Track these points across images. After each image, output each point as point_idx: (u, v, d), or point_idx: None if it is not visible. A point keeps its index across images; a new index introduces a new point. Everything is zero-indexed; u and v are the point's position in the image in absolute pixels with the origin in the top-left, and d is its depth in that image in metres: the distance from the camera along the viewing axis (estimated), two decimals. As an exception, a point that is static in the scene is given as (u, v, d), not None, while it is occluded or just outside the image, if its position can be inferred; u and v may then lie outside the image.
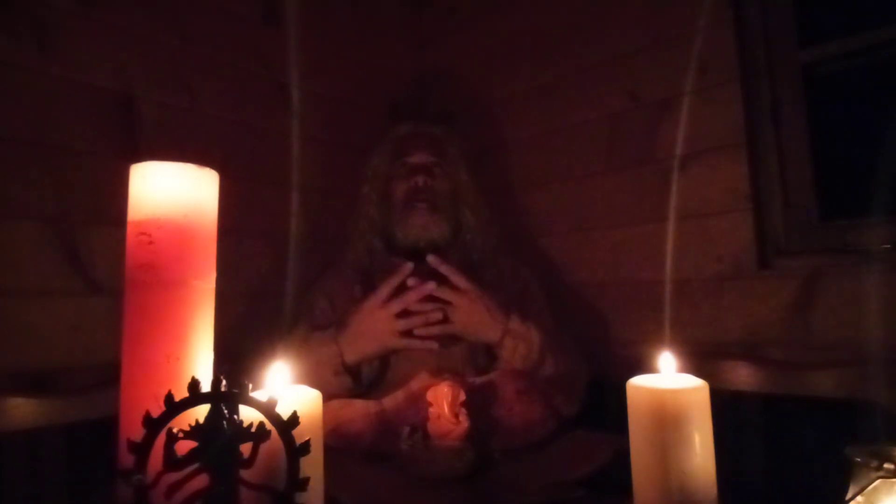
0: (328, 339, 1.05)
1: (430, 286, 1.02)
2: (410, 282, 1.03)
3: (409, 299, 1.02)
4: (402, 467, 0.85)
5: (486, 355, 1.09)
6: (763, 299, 1.10)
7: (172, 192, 0.58)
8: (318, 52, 1.46)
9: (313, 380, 1.03)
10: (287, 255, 1.29)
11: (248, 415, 0.49)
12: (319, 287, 1.21)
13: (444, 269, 1.03)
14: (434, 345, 1.04)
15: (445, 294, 1.03)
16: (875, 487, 0.55)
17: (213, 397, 0.49)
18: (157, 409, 0.48)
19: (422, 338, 1.03)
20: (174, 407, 0.48)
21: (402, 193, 1.20)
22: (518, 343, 1.03)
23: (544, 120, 1.47)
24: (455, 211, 1.23)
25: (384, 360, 1.08)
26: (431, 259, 1.03)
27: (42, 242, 0.98)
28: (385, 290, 1.02)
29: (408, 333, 1.03)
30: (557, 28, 1.45)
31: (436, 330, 1.03)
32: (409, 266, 1.03)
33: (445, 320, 1.04)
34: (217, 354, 0.60)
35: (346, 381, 1.04)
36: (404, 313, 1.02)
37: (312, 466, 0.54)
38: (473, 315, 1.03)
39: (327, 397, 1.00)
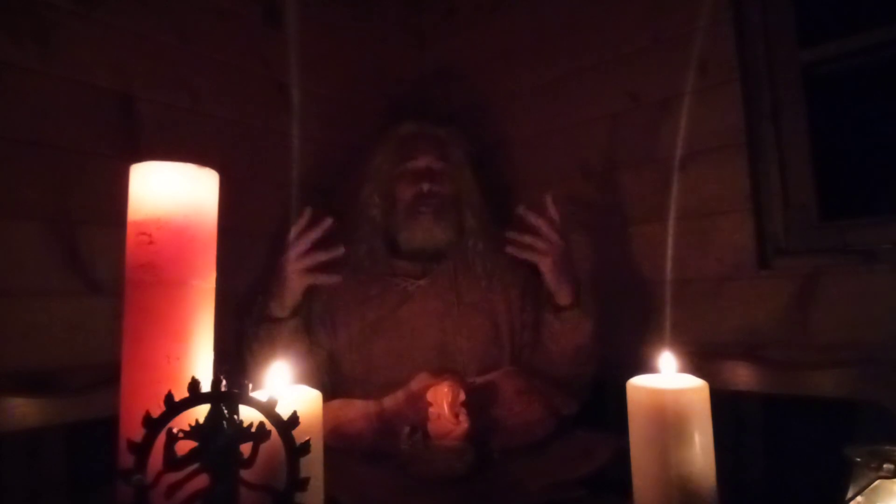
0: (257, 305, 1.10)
1: (328, 222, 1.00)
2: (511, 234, 1.03)
3: (311, 237, 1.01)
4: (402, 467, 0.85)
5: (550, 303, 1.09)
6: (763, 299, 1.10)
7: (172, 192, 0.58)
8: (318, 52, 1.46)
9: (251, 346, 1.09)
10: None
11: (248, 415, 0.49)
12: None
13: (533, 219, 1.02)
14: (338, 278, 1.04)
15: (535, 242, 1.02)
16: (875, 487, 0.55)
17: (213, 397, 0.49)
18: (157, 409, 0.48)
19: (322, 263, 1.03)
20: (174, 407, 0.48)
21: (407, 198, 1.19)
22: (589, 298, 1.09)
23: (544, 120, 1.47)
24: (458, 214, 1.23)
25: (308, 298, 1.10)
26: (523, 211, 1.03)
27: (42, 242, 0.98)
28: (289, 236, 1.03)
29: (312, 270, 1.02)
30: (557, 28, 1.44)
31: (526, 254, 1.03)
32: (308, 210, 1.03)
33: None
34: (217, 354, 0.60)
35: (267, 327, 1.06)
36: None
37: (312, 466, 0.54)
38: (559, 261, 1.03)
39: (264, 352, 1.04)
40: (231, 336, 1.16)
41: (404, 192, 1.20)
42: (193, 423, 0.48)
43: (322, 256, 1.02)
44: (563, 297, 1.06)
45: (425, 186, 1.18)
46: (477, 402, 0.90)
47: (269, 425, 0.49)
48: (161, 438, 0.47)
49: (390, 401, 0.95)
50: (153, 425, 0.48)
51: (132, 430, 0.49)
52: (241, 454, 0.48)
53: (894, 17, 1.05)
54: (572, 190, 1.40)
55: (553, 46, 1.45)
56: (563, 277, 1.05)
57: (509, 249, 1.04)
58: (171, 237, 0.57)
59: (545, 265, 1.03)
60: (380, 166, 1.25)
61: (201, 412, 0.49)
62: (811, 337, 1.04)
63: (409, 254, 1.20)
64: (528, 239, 1.02)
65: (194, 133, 1.20)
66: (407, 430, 0.87)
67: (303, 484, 0.48)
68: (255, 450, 0.48)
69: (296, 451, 0.49)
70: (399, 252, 1.21)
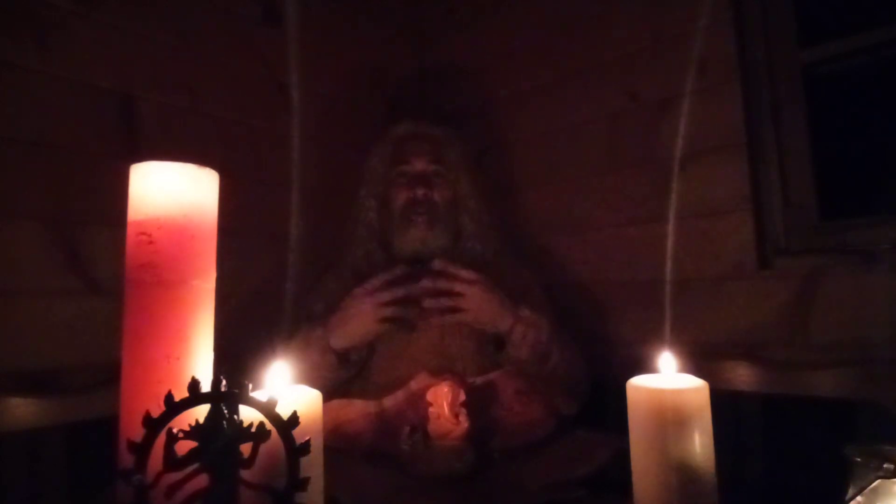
0: (317, 324, 1.08)
1: (402, 267, 1.05)
2: (426, 282, 1.04)
3: (398, 294, 1.03)
4: (402, 467, 0.85)
5: (494, 345, 1.10)
6: (763, 299, 1.10)
7: (172, 192, 0.58)
8: (317, 52, 1.46)
9: (303, 363, 1.05)
10: (287, 255, 1.29)
11: (248, 415, 0.49)
12: (319, 292, 1.21)
13: (451, 269, 1.04)
14: (412, 329, 1.07)
15: (458, 287, 1.03)
16: (875, 487, 0.56)
17: (213, 397, 0.49)
18: (157, 409, 0.48)
19: (399, 319, 1.05)
20: (174, 407, 0.48)
21: (401, 205, 1.18)
22: (528, 330, 1.04)
23: (544, 120, 1.47)
24: (455, 219, 1.22)
25: (370, 345, 1.09)
26: (437, 263, 1.05)
27: (42, 242, 0.98)
28: (376, 281, 1.04)
29: (389, 320, 1.04)
30: (557, 28, 1.45)
31: (449, 318, 1.04)
32: (402, 267, 1.05)
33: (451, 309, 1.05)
34: (217, 354, 0.60)
35: (331, 360, 1.04)
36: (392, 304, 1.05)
37: (312, 466, 0.54)
38: (485, 303, 1.04)
39: (315, 378, 1.02)
40: (231, 336, 1.16)
41: (397, 197, 1.19)
42: (193, 423, 0.48)
43: (400, 313, 1.04)
44: (501, 327, 1.05)
45: (419, 192, 1.17)
46: (477, 402, 0.90)
47: (269, 425, 0.49)
48: (161, 438, 0.47)
49: (390, 401, 0.95)
50: (153, 425, 0.47)
51: (132, 430, 0.49)
52: (241, 454, 0.48)
53: (894, 17, 1.05)
54: (572, 189, 1.40)
55: (553, 46, 1.45)
56: (491, 317, 1.05)
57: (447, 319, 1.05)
58: (171, 237, 0.57)
59: (469, 318, 1.04)
60: (375, 168, 1.24)
61: (201, 412, 0.49)
62: (811, 337, 1.04)
63: (406, 259, 1.19)
64: (460, 287, 1.03)
65: (194, 133, 1.20)
66: (407, 430, 0.87)
67: (303, 484, 0.48)
68: (255, 450, 0.48)
69: (296, 451, 0.49)
70: (397, 258, 1.20)
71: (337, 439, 0.90)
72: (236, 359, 1.12)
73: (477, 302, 1.03)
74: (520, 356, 1.04)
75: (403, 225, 1.17)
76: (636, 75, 1.30)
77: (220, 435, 0.48)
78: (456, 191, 1.23)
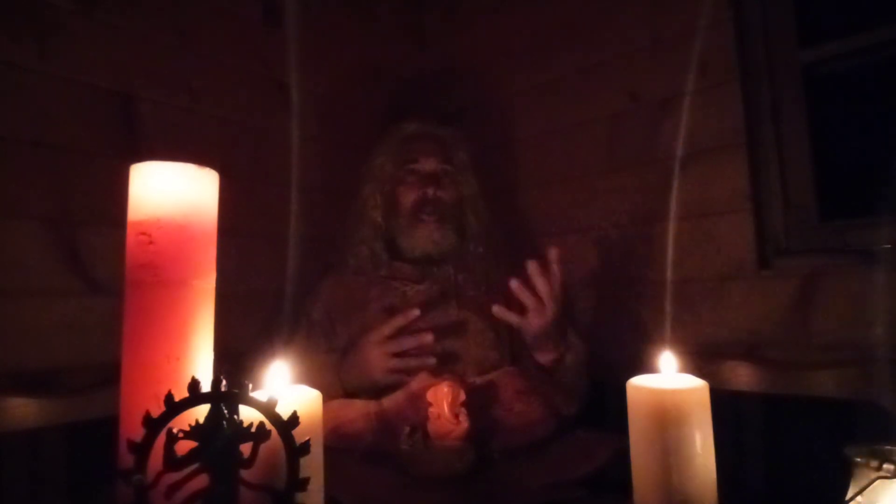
0: (330, 368, 1.05)
1: (415, 312, 1.01)
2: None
3: (407, 345, 1.00)
4: (402, 467, 0.85)
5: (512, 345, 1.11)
6: (763, 299, 1.10)
7: (172, 192, 0.58)
8: (317, 51, 1.46)
9: (315, 383, 1.05)
10: (287, 255, 1.29)
11: (248, 415, 0.49)
12: (317, 296, 1.20)
13: (544, 285, 0.97)
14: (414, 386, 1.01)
15: (525, 296, 0.97)
16: (875, 487, 0.56)
17: (213, 397, 0.49)
18: (157, 409, 0.48)
19: (408, 371, 1.00)
20: (174, 407, 0.48)
21: (410, 203, 1.18)
22: (572, 355, 1.06)
23: (544, 120, 1.47)
24: (461, 218, 1.22)
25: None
26: (531, 269, 0.98)
27: (42, 242, 0.98)
28: (386, 329, 1.01)
29: (397, 371, 1.01)
30: (558, 28, 1.44)
31: (513, 318, 1.00)
32: (416, 312, 1.01)
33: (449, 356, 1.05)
34: (217, 354, 0.60)
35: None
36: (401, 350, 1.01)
37: (312, 466, 0.54)
38: (548, 324, 0.99)
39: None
40: (231, 336, 1.17)
41: (406, 195, 1.19)
42: (193, 423, 0.48)
43: (414, 362, 1.00)
44: (543, 359, 1.04)
45: (430, 191, 1.17)
46: (477, 402, 0.90)
47: (269, 425, 0.49)
48: (161, 438, 0.47)
49: (390, 401, 0.95)
50: (153, 425, 0.47)
51: (132, 430, 0.49)
52: (241, 454, 0.48)
53: (894, 17, 1.05)
54: (572, 189, 1.40)
55: (553, 46, 1.45)
56: (545, 345, 1.02)
57: (496, 310, 0.99)
58: (171, 237, 0.57)
59: (527, 331, 1.00)
60: (382, 166, 1.23)
61: (201, 412, 0.49)
62: (811, 337, 1.04)
63: (412, 259, 1.19)
64: (527, 297, 0.97)
65: (194, 133, 1.20)
66: (407, 430, 0.87)
67: (303, 484, 0.48)
68: (255, 450, 0.48)
69: (296, 451, 0.49)
70: (400, 254, 1.20)
71: (337, 439, 0.90)
72: (236, 359, 1.13)
73: (542, 318, 0.98)
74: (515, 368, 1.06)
75: (412, 225, 1.17)
76: (636, 75, 1.30)
77: (220, 435, 0.48)
78: (462, 191, 1.23)
